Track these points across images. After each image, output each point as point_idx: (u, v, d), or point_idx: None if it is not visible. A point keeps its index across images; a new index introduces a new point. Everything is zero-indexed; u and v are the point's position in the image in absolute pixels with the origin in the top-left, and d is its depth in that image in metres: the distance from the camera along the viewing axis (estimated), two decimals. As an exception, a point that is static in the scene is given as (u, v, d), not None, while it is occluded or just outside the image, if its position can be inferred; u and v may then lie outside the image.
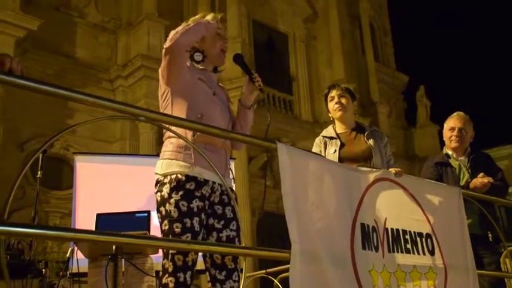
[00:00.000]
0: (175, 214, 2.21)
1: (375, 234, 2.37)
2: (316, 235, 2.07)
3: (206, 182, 2.30)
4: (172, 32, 2.32)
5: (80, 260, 3.61)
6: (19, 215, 7.82)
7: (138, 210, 3.63)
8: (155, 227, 2.83)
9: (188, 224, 2.20)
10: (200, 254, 2.34)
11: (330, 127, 3.30)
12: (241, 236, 2.36)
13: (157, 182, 2.32)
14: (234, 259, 2.33)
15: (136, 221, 3.45)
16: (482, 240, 3.46)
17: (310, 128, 14.99)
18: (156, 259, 3.33)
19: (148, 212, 3.48)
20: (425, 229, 2.62)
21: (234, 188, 2.53)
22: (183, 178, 2.25)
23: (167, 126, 1.98)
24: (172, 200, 2.23)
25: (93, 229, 3.30)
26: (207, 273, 2.35)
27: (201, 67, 2.49)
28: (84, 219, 4.33)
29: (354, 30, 19.04)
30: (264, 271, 4.54)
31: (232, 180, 2.54)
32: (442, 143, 4.05)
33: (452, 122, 3.87)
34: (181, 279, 2.18)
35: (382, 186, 2.51)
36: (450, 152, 3.87)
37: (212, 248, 2.12)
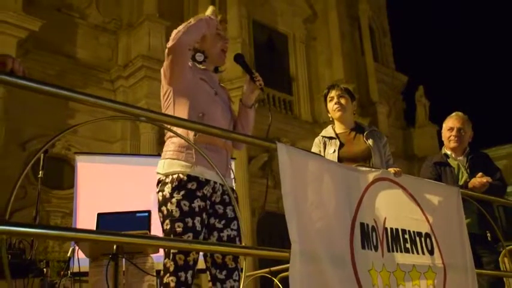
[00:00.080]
0: (176, 214, 2.22)
1: (374, 233, 2.38)
2: (316, 235, 2.07)
3: (208, 181, 2.31)
4: (175, 32, 2.33)
5: (80, 260, 3.63)
6: (20, 215, 7.85)
7: (139, 210, 3.64)
8: (155, 226, 2.85)
9: (190, 224, 2.21)
10: (201, 253, 2.35)
11: (329, 127, 3.32)
12: (242, 235, 2.38)
13: (159, 181, 2.33)
14: (234, 258, 2.34)
15: (137, 220, 3.46)
16: (481, 240, 3.47)
17: (309, 128, 15.01)
18: (157, 258, 3.35)
19: (149, 212, 3.49)
20: (425, 229, 2.63)
21: (234, 188, 2.54)
22: (185, 178, 2.26)
23: (168, 126, 1.99)
24: (174, 200, 2.24)
25: (94, 228, 3.32)
26: (208, 272, 2.37)
27: (202, 67, 2.50)
28: (85, 218, 4.35)
29: (353, 31, 19.06)
30: (268, 269, 4.55)
31: (233, 180, 2.55)
32: (441, 143, 4.06)
33: (451, 122, 3.88)
34: (183, 278, 2.19)
35: (382, 186, 2.52)
36: (449, 152, 3.88)
37: (213, 247, 2.13)
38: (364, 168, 2.59)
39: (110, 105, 1.68)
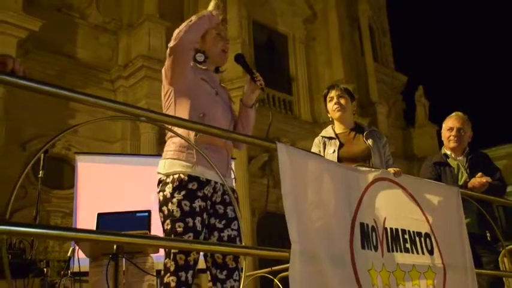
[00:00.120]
0: (177, 214, 2.23)
1: (374, 233, 2.38)
2: (316, 235, 2.08)
3: (208, 181, 2.32)
4: (176, 31, 2.34)
5: (81, 259, 3.63)
6: (21, 215, 7.86)
7: (139, 210, 3.65)
8: (156, 226, 2.85)
9: (190, 224, 2.22)
10: (201, 253, 2.35)
11: (329, 127, 3.32)
12: (242, 235, 2.38)
13: (160, 181, 2.34)
14: (235, 258, 2.35)
15: (137, 220, 3.46)
16: (480, 240, 3.47)
17: (309, 128, 15.02)
18: (157, 258, 3.35)
19: (149, 212, 3.49)
20: (424, 228, 2.63)
21: (235, 188, 2.54)
22: (186, 178, 2.26)
23: (168, 126, 1.99)
24: (174, 200, 2.24)
25: (94, 228, 3.32)
26: (208, 272, 2.37)
27: (203, 67, 2.51)
28: (85, 218, 4.35)
29: (353, 32, 19.06)
30: (269, 269, 4.56)
31: (234, 179, 2.55)
32: (441, 143, 4.06)
33: (451, 122, 3.88)
34: (183, 278, 2.19)
35: (381, 186, 2.52)
36: (449, 152, 3.88)
37: (213, 247, 2.13)
38: (363, 168, 2.59)
39: (110, 105, 1.68)
